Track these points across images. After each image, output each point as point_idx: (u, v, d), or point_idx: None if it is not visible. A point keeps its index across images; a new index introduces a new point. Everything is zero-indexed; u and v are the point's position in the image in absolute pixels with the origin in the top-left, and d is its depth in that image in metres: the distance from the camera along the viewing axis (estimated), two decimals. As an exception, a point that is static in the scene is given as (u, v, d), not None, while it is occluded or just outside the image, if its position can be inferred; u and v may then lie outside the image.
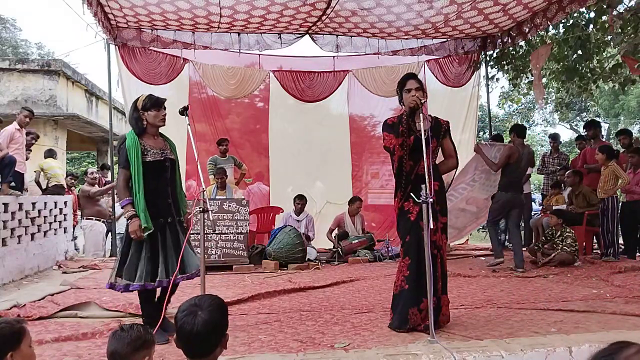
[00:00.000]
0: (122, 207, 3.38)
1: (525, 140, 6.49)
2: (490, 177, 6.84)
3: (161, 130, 3.56)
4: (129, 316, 3.86)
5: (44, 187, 8.16)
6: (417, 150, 3.30)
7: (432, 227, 3.09)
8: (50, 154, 8.63)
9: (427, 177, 3.16)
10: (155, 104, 3.43)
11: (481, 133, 19.32)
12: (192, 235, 5.77)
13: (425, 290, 3.14)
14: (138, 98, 3.49)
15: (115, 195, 8.46)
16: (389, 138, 3.46)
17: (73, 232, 7.62)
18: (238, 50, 8.04)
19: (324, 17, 7.20)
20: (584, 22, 7.74)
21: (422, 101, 3.41)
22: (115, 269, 3.35)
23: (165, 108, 3.48)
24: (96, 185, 8.39)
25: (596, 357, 1.24)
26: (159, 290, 3.37)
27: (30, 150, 7.73)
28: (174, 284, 3.37)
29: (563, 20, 7.54)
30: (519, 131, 6.30)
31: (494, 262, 6.13)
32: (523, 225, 7.40)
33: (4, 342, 1.89)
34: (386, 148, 3.52)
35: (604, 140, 9.02)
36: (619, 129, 14.20)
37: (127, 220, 3.30)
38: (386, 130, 3.52)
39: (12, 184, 6.07)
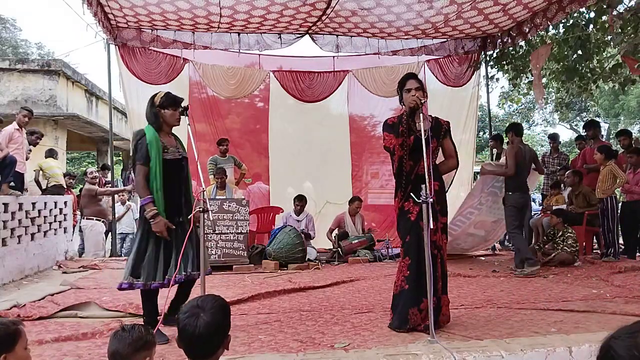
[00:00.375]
0: (142, 205, 3.29)
1: (524, 139, 6.47)
2: (497, 199, 6.53)
3: None
4: (129, 316, 3.86)
5: (43, 187, 8.17)
6: (417, 150, 3.30)
7: (432, 227, 3.09)
8: (50, 154, 8.64)
9: (427, 177, 3.17)
10: (173, 102, 3.40)
11: (481, 133, 19.35)
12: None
13: (426, 290, 3.14)
14: (155, 94, 3.46)
15: (118, 195, 8.46)
16: (389, 138, 3.47)
17: (73, 232, 7.61)
18: (238, 50, 8.05)
19: (324, 17, 7.20)
20: (584, 22, 7.75)
21: (422, 101, 3.41)
22: (130, 269, 3.26)
23: (181, 107, 3.45)
24: (96, 185, 8.39)
25: (618, 333, 1.20)
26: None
27: (30, 151, 7.74)
28: (191, 281, 3.42)
29: (563, 20, 7.55)
30: (516, 130, 6.23)
31: (531, 271, 5.59)
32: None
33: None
34: (386, 148, 3.52)
35: (603, 140, 9.01)
36: (619, 129, 14.20)
37: (150, 219, 3.22)
38: (386, 130, 3.52)
39: (12, 184, 6.07)
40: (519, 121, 28.13)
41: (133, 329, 1.98)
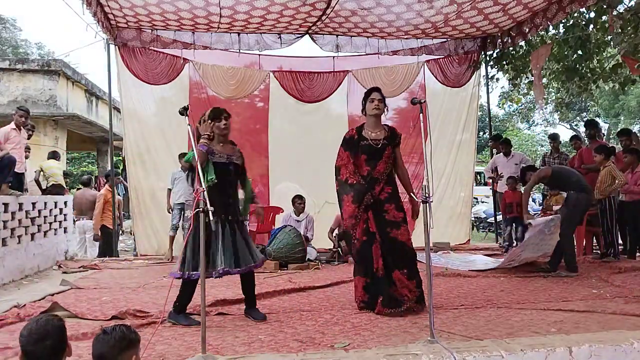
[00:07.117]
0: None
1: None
2: (545, 237, 5.84)
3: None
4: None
5: (43, 187, 8.18)
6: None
7: (432, 227, 3.10)
8: (53, 155, 8.72)
9: (429, 178, 3.18)
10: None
11: (481, 133, 19.35)
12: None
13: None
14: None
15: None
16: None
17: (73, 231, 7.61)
18: (238, 51, 8.05)
19: (323, 17, 7.20)
20: (584, 22, 7.74)
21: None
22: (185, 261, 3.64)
23: (224, 118, 4.06)
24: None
25: None
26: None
27: (29, 149, 7.73)
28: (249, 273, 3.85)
29: (563, 20, 7.54)
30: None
31: (566, 274, 5.50)
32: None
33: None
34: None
35: (602, 140, 8.99)
36: (619, 129, 14.18)
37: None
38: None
39: (11, 184, 6.06)
40: (519, 121, 28.23)
41: (114, 330, 1.98)
